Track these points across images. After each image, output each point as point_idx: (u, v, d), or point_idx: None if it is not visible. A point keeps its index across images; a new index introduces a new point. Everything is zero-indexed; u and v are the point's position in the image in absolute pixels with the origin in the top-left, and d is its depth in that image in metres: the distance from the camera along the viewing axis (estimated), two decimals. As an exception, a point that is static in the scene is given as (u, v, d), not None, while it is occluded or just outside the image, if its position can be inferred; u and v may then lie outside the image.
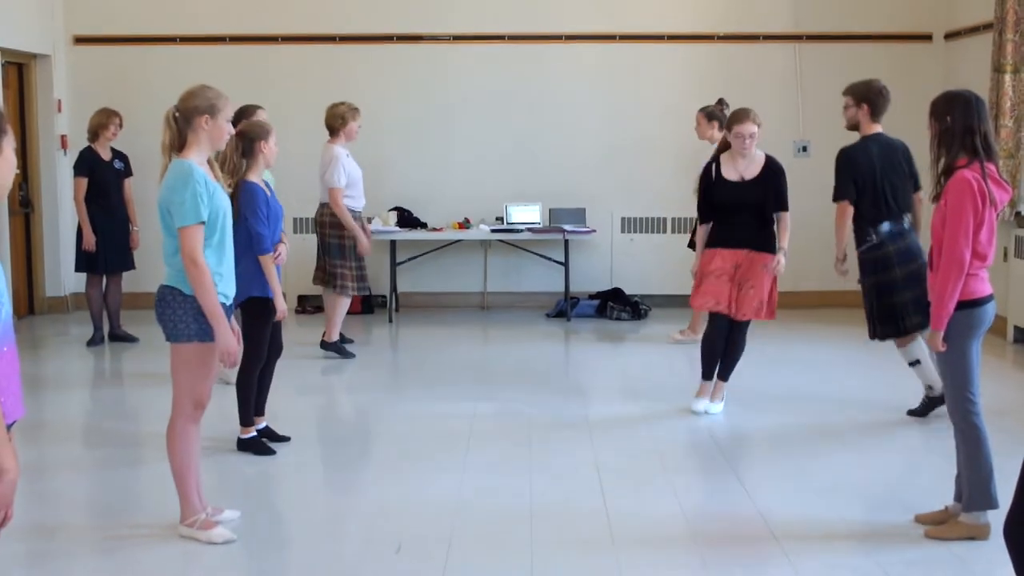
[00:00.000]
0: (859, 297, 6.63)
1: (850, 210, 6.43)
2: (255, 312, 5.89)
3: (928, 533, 4.71)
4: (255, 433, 6.06)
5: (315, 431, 6.73)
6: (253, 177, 5.93)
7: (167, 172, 4.54)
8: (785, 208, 6.56)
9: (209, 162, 4.66)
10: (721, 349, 6.65)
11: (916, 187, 6.51)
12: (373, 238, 9.55)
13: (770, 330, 9.04)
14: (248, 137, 5.89)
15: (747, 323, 6.61)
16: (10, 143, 3.00)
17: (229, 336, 4.52)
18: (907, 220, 6.46)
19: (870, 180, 6.36)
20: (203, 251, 4.45)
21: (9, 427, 3.04)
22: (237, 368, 5.45)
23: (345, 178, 8.22)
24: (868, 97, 6.52)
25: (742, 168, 6.56)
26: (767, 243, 6.52)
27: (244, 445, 6.02)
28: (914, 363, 6.46)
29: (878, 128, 6.51)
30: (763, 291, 6.48)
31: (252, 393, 6.03)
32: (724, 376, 6.73)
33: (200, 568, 4.49)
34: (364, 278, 8.46)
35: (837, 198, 6.48)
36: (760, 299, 6.48)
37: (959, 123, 4.51)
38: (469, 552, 4.56)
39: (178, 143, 4.58)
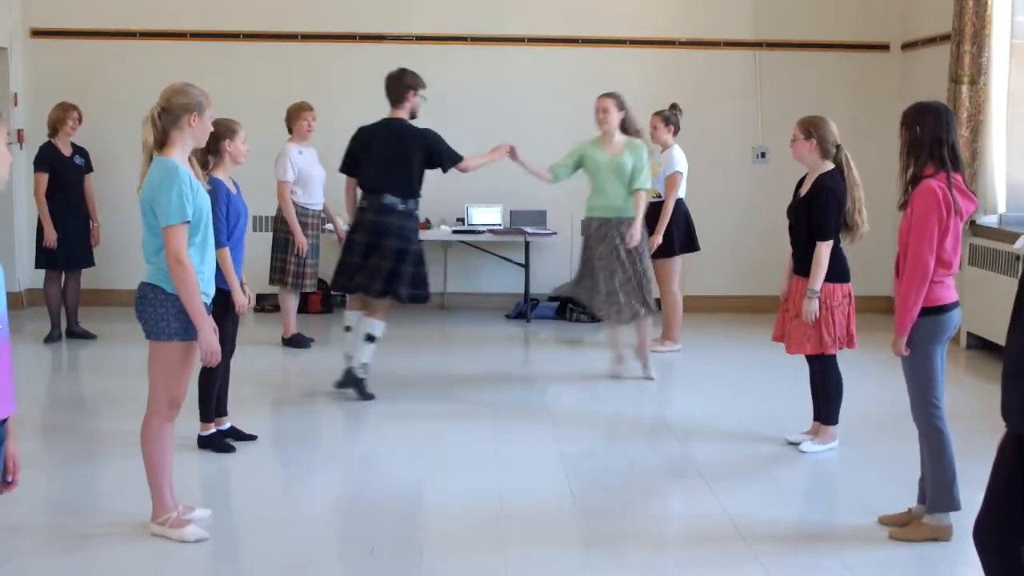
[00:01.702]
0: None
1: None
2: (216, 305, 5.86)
3: (892, 535, 4.81)
4: (215, 430, 6.07)
5: (277, 430, 6.71)
6: (219, 174, 5.93)
7: (151, 170, 4.52)
8: (820, 236, 5.85)
9: (190, 160, 4.65)
10: (815, 386, 6.16)
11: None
12: (333, 237, 9.57)
13: (732, 335, 9.17)
14: (214, 135, 5.86)
15: (824, 357, 5.97)
16: (2, 138, 3.00)
17: (212, 334, 4.53)
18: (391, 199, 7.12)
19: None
20: (188, 250, 4.45)
21: (3, 424, 3.04)
22: None
23: (293, 174, 8.44)
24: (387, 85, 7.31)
25: (806, 183, 6.02)
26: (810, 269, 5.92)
27: (205, 442, 6.02)
28: (347, 329, 7.27)
29: (393, 112, 7.28)
30: (806, 322, 5.88)
31: (214, 390, 6.03)
32: (817, 416, 6.18)
33: (173, 567, 4.48)
34: (303, 275, 8.74)
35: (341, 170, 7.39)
36: (804, 330, 5.89)
37: (928, 134, 4.61)
38: (443, 552, 4.59)
39: (160, 142, 4.56)
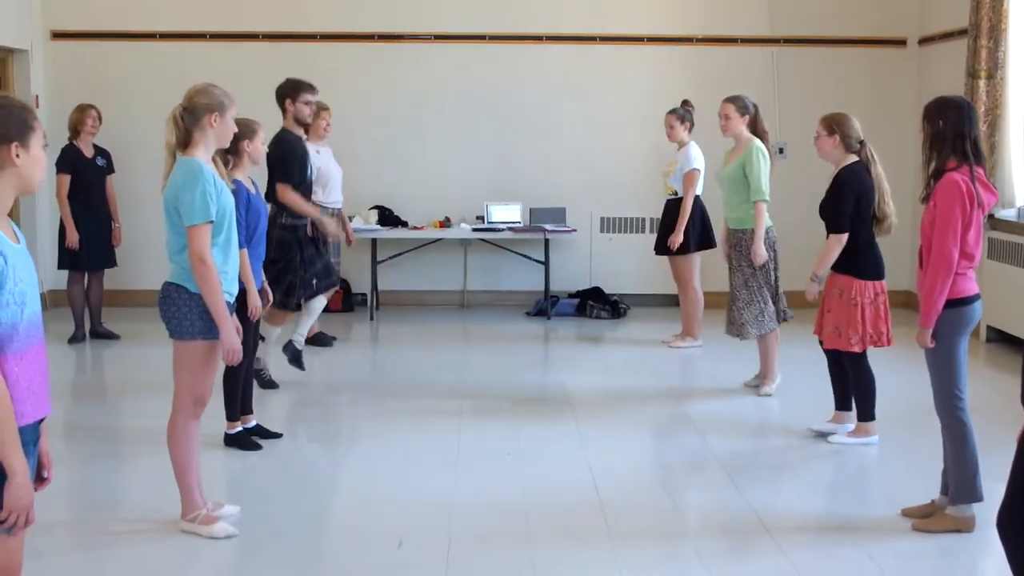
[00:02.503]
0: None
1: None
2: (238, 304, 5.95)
3: (915, 526, 4.84)
4: (241, 428, 6.13)
5: (301, 427, 6.76)
6: (239, 175, 5.97)
7: (175, 170, 4.57)
8: (832, 228, 5.95)
9: (214, 160, 4.70)
10: (836, 377, 6.20)
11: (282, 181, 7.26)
12: (355, 236, 9.61)
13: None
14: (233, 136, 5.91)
15: (853, 355, 5.97)
16: (39, 141, 3.06)
17: (233, 334, 4.58)
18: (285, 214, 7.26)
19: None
20: (211, 249, 4.50)
21: (38, 424, 3.10)
22: None
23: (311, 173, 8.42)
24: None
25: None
26: (845, 264, 5.96)
27: (231, 440, 6.09)
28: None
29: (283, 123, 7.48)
30: (837, 318, 5.94)
31: (238, 388, 6.10)
32: (839, 406, 6.26)
33: (203, 563, 4.54)
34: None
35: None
36: (835, 325, 5.95)
37: (951, 128, 4.64)
38: (470, 546, 4.64)
39: (183, 142, 4.61)
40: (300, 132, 7.49)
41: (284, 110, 7.43)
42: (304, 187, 7.45)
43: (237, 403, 6.12)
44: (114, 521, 4.98)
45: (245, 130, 5.94)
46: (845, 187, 5.92)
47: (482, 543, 4.69)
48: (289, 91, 7.44)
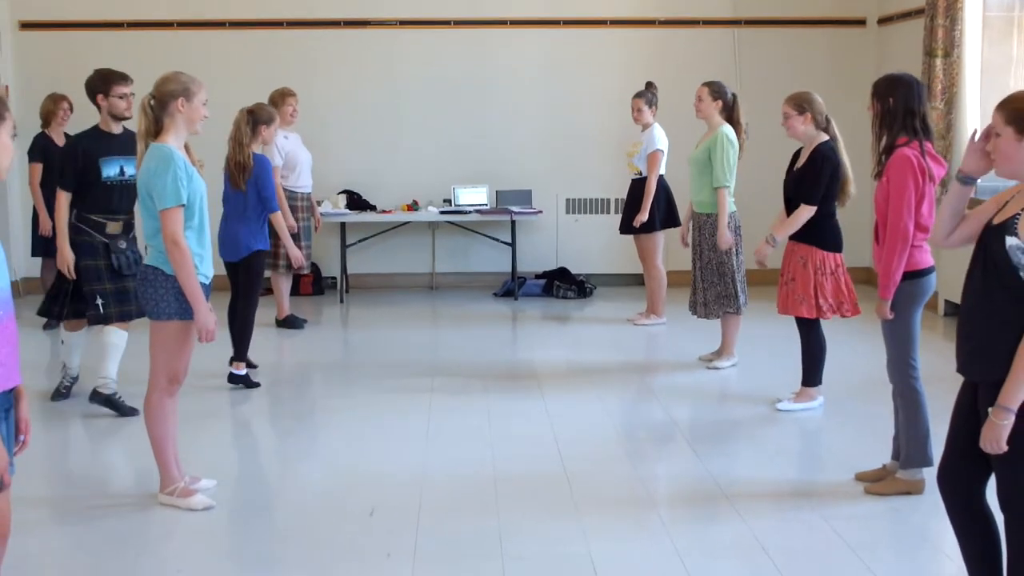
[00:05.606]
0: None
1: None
2: (260, 263, 7.25)
3: (868, 489, 5.03)
4: (246, 371, 7.05)
5: (275, 405, 6.90)
6: (258, 150, 7.19)
7: (147, 156, 4.70)
8: (805, 199, 6.07)
9: (186, 146, 4.82)
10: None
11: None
12: (324, 220, 9.74)
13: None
14: (255, 118, 7.32)
15: (809, 321, 6.17)
16: (8, 130, 3.20)
17: (207, 314, 4.71)
18: None
19: None
20: (184, 232, 4.63)
21: (9, 393, 3.23)
22: None
23: (280, 159, 8.59)
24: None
25: (802, 156, 6.24)
26: (808, 235, 6.12)
27: (235, 379, 7.00)
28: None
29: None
30: (803, 286, 6.09)
31: (250, 332, 7.09)
32: (803, 379, 6.40)
33: (184, 534, 4.67)
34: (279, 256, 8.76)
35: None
36: (800, 293, 6.10)
37: (901, 104, 4.81)
38: (440, 515, 4.79)
39: (154, 129, 4.74)
40: (117, 129, 6.53)
41: (97, 106, 6.49)
42: (91, 190, 6.36)
43: (247, 346, 7.13)
44: (94, 495, 5.11)
45: (267, 116, 7.50)
46: (826, 163, 6.06)
47: (452, 512, 4.84)
48: (99, 85, 6.53)
